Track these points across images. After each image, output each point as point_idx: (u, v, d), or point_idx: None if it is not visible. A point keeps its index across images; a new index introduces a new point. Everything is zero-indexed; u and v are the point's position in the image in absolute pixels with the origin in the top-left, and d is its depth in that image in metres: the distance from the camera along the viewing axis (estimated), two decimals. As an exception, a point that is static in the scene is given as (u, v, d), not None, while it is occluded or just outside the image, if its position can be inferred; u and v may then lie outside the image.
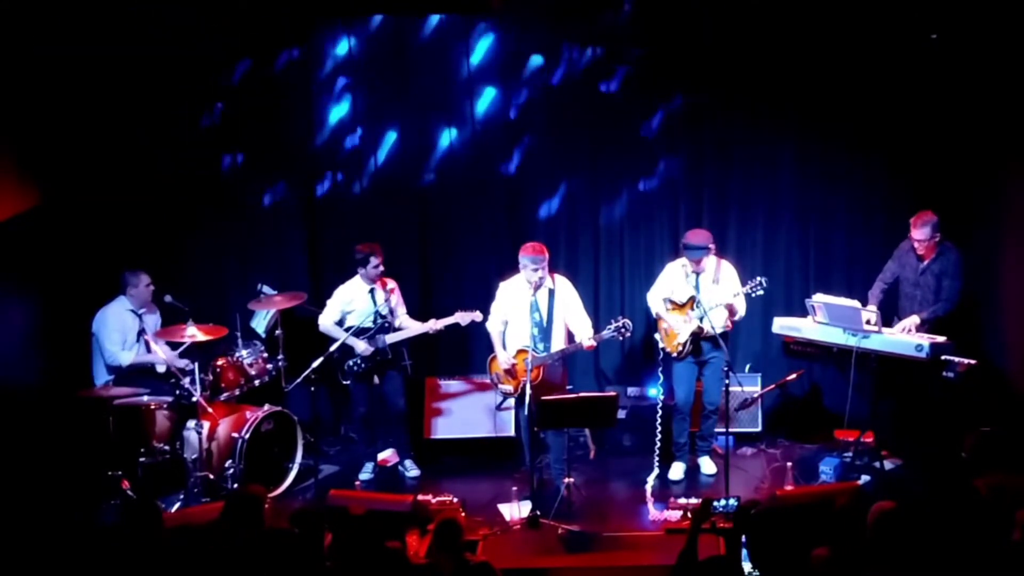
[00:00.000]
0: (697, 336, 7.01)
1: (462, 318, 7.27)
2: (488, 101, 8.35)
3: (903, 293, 7.27)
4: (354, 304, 7.39)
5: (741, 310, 7.06)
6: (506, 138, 8.41)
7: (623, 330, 6.75)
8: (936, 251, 7.07)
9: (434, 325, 7.35)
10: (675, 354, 7.10)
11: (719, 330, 6.92)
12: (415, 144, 8.41)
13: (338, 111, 8.40)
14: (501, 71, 8.29)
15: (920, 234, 7.02)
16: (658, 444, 7.23)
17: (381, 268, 7.32)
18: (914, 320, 7.01)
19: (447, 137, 8.39)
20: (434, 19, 8.18)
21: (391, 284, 7.50)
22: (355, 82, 8.33)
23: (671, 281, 7.18)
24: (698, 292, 6.99)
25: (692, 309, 6.97)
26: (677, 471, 7.25)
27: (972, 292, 7.53)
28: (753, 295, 6.94)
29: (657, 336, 7.28)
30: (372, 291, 7.37)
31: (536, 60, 8.26)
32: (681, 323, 7.03)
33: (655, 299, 7.23)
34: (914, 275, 7.18)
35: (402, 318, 7.55)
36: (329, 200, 8.51)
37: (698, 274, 7.02)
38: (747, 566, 4.86)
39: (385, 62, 8.27)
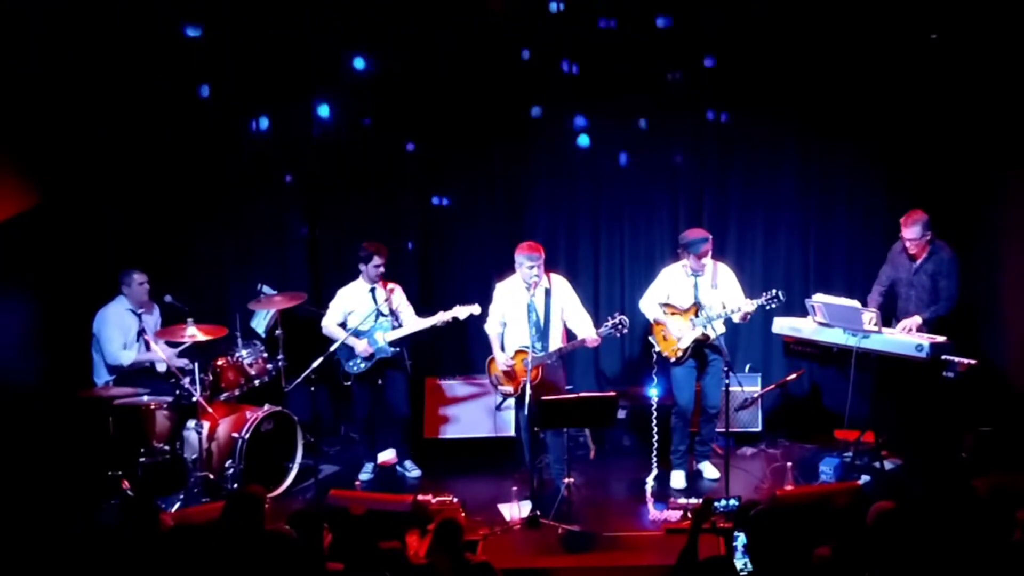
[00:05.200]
0: (701, 343, 6.99)
1: (460, 312, 7.27)
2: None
3: (899, 295, 7.26)
4: (355, 305, 7.40)
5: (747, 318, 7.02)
6: (507, 138, 8.42)
7: (620, 327, 6.74)
8: (928, 250, 7.06)
9: (442, 316, 7.31)
10: (673, 359, 7.06)
11: (720, 333, 6.94)
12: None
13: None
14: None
15: (911, 233, 7.01)
16: (655, 445, 7.21)
17: (382, 269, 7.34)
18: (916, 320, 7.00)
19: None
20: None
21: (391, 284, 7.51)
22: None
23: (669, 285, 7.12)
24: (697, 296, 6.97)
25: (695, 316, 6.94)
26: (679, 479, 7.18)
27: (972, 292, 7.53)
28: (768, 307, 6.86)
29: (652, 340, 7.25)
30: (373, 290, 7.39)
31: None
32: (685, 328, 6.98)
33: (650, 304, 7.18)
34: (908, 275, 7.18)
35: (407, 318, 7.55)
36: (328, 199, 8.53)
37: (697, 275, 6.98)
38: (739, 563, 4.87)
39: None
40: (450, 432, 8.09)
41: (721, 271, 7.10)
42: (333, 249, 8.51)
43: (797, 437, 7.98)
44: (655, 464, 7.16)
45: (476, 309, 7.22)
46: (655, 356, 7.22)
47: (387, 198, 8.50)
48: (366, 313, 7.33)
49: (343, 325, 7.41)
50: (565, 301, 6.98)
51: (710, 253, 6.96)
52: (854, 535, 4.47)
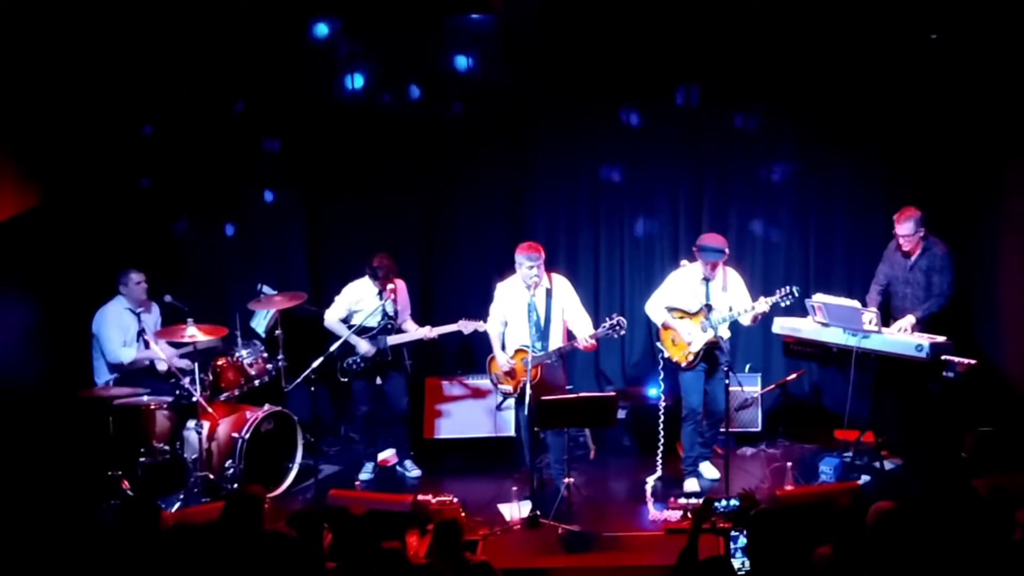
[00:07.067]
0: (711, 346, 6.94)
1: (465, 326, 7.29)
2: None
3: (895, 293, 7.26)
4: (362, 303, 7.40)
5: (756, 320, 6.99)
6: (506, 138, 8.43)
7: (617, 328, 6.71)
8: (921, 247, 7.06)
9: (428, 333, 7.39)
10: (684, 364, 6.98)
11: (727, 338, 6.97)
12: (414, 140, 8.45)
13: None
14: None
15: (903, 229, 7.01)
16: (661, 446, 7.21)
17: (387, 284, 7.35)
18: (910, 320, 7.00)
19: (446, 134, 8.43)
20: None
21: (392, 284, 7.48)
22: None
23: (677, 289, 7.06)
24: (708, 298, 6.92)
25: (705, 318, 6.89)
26: (692, 485, 7.08)
27: (971, 292, 7.54)
28: (783, 304, 6.78)
29: (659, 345, 7.21)
30: (380, 292, 7.38)
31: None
32: (695, 331, 6.91)
33: (657, 308, 7.13)
34: (903, 273, 7.18)
35: (406, 322, 7.57)
36: (330, 199, 8.53)
37: (708, 281, 6.94)
38: (737, 563, 4.87)
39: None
40: (450, 432, 8.09)
41: (731, 275, 7.06)
42: (333, 249, 8.52)
43: (797, 437, 7.97)
44: (660, 466, 7.17)
45: (481, 326, 7.20)
46: (662, 362, 7.18)
47: (388, 197, 8.50)
48: (372, 312, 7.34)
49: (347, 321, 7.42)
50: (566, 301, 6.97)
51: (717, 266, 6.92)
52: (854, 535, 4.47)
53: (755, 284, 7.60)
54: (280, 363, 7.56)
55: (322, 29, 8.06)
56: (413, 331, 7.47)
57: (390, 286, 7.39)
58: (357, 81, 8.26)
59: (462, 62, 8.22)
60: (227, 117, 8.24)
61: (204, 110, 8.17)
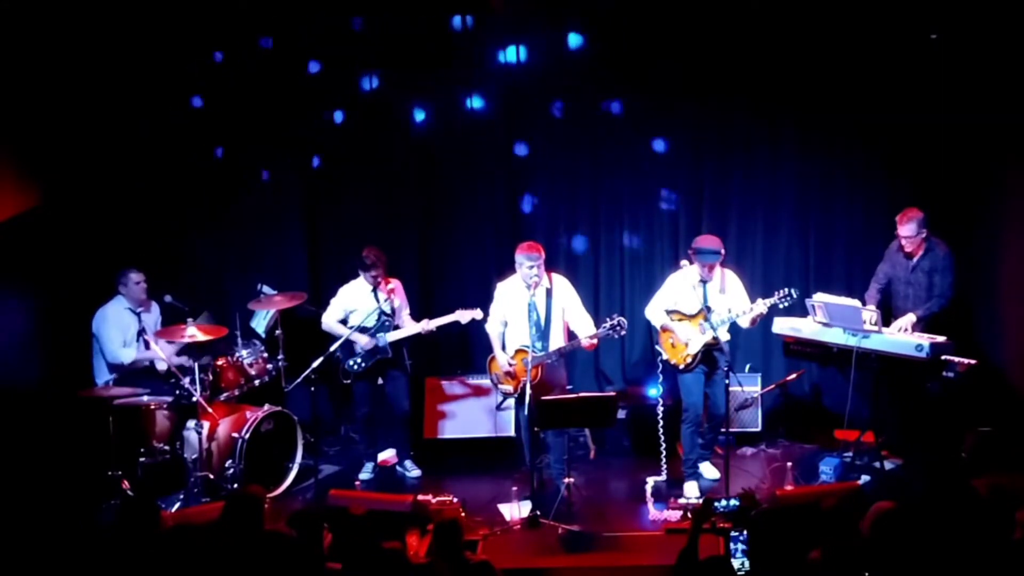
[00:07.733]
0: (710, 348, 6.93)
1: (462, 316, 7.28)
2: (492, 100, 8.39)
3: (896, 293, 7.25)
4: (357, 304, 7.40)
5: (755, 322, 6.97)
6: (508, 139, 8.43)
7: (618, 328, 6.71)
8: (924, 248, 7.05)
9: (426, 325, 7.37)
10: (682, 366, 6.97)
11: (725, 340, 6.95)
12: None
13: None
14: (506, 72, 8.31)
15: (906, 230, 7.00)
16: (663, 448, 7.21)
17: (380, 280, 7.34)
18: (910, 319, 7.00)
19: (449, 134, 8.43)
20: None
21: (391, 284, 7.49)
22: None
23: (675, 292, 7.05)
24: (706, 300, 6.91)
25: (704, 320, 6.88)
26: (692, 488, 7.02)
27: (971, 292, 7.53)
28: (781, 306, 6.77)
29: (659, 348, 7.21)
30: (375, 290, 7.38)
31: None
32: (694, 333, 6.89)
33: (656, 311, 7.12)
34: (905, 274, 7.17)
35: (404, 319, 7.57)
36: (330, 199, 8.54)
37: (705, 283, 6.91)
38: (737, 563, 4.87)
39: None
40: (450, 432, 8.09)
41: (729, 277, 7.03)
42: (333, 249, 8.52)
43: (797, 437, 7.97)
44: (664, 467, 7.17)
45: (478, 313, 7.21)
46: (661, 364, 7.18)
47: (387, 197, 8.50)
48: (368, 311, 7.34)
49: (344, 322, 7.42)
50: (566, 301, 6.97)
51: (714, 268, 6.89)
52: (844, 536, 4.47)
53: (756, 284, 7.61)
54: (280, 363, 7.56)
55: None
56: (411, 326, 7.47)
57: (389, 286, 7.40)
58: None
59: (461, 64, 8.23)
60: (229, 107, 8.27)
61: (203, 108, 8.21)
